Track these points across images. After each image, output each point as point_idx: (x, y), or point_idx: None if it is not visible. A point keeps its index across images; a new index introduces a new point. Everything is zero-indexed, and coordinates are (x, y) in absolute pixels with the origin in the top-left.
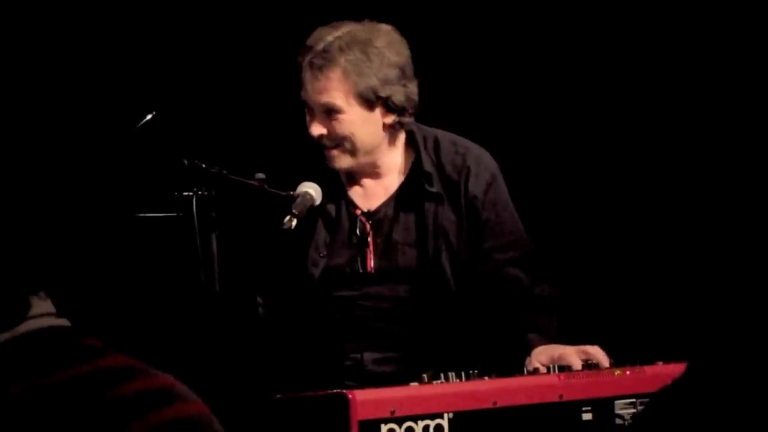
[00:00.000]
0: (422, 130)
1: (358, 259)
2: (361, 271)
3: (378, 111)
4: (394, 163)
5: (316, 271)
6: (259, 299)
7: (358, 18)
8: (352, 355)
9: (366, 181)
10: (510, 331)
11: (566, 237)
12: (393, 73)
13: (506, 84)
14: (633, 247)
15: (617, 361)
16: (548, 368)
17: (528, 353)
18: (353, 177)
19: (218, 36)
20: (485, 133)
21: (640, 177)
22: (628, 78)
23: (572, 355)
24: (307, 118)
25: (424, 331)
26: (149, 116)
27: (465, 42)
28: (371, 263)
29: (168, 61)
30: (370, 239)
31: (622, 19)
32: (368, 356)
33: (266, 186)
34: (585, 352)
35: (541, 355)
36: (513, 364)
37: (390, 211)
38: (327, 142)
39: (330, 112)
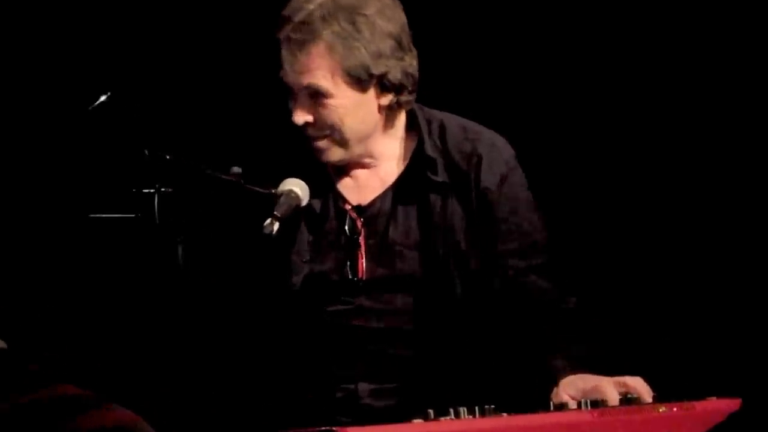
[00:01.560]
0: (426, 113)
1: (348, 264)
2: (350, 278)
3: (372, 91)
4: (391, 149)
5: (298, 279)
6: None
7: None
8: (344, 386)
9: (358, 171)
10: (532, 355)
11: (596, 246)
12: (387, 44)
13: (513, 67)
14: (679, 259)
15: (661, 396)
16: (579, 403)
17: (554, 383)
18: (343, 167)
19: (185, 6)
20: (491, 118)
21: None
22: (629, 78)
23: (608, 387)
24: (290, 103)
25: (428, 354)
26: (103, 97)
27: (468, 10)
28: (363, 269)
29: (126, 34)
30: (361, 240)
31: (625, 17)
32: (363, 387)
33: (243, 182)
34: (623, 384)
35: (571, 386)
36: (536, 397)
37: (386, 206)
38: (313, 132)
39: (315, 96)
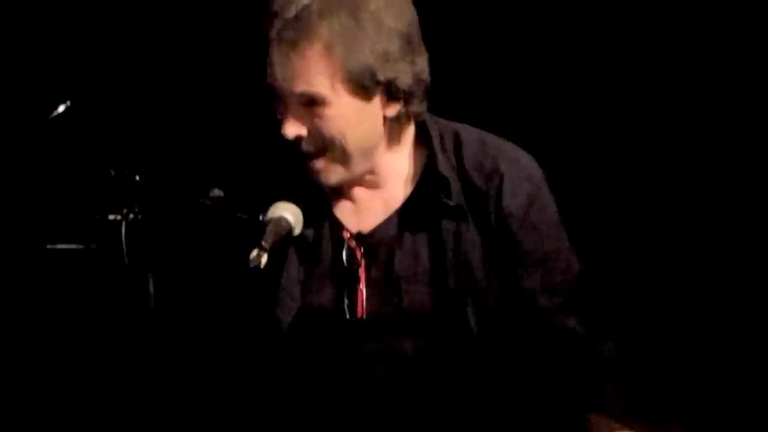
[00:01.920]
0: (438, 124)
1: (345, 300)
2: (348, 316)
3: (377, 100)
4: (398, 167)
5: (286, 318)
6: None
7: None
8: None
9: (358, 193)
10: (561, 405)
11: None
12: (395, 44)
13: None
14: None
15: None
16: None
17: None
18: (340, 188)
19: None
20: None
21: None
22: (629, 79)
23: None
24: (279, 112)
25: (440, 407)
26: (62, 107)
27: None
28: (363, 306)
29: (90, 37)
30: (362, 272)
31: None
32: None
33: (225, 207)
34: None
35: None
36: None
37: (391, 233)
38: (307, 147)
39: (310, 105)
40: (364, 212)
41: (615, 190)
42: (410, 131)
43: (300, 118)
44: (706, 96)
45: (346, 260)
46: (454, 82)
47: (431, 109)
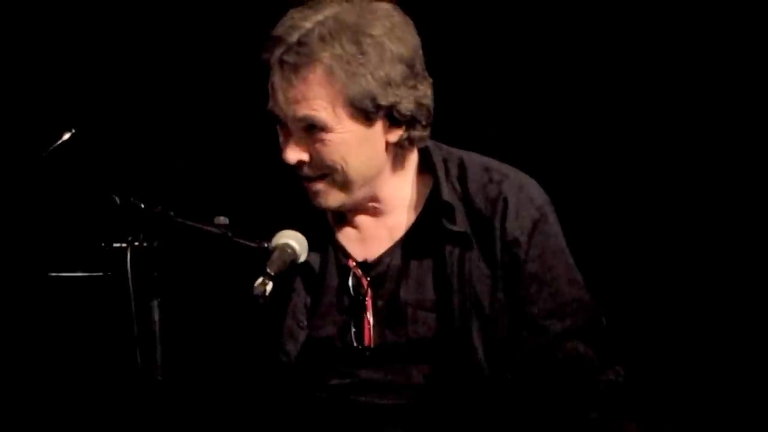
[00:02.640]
0: (442, 151)
1: (352, 329)
2: (355, 344)
3: (378, 125)
4: (401, 194)
5: (294, 348)
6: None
7: None
8: None
9: (362, 220)
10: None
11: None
12: (397, 70)
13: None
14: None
15: None
16: None
17: None
18: (344, 215)
19: (165, 31)
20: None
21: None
22: (628, 80)
23: None
24: (280, 138)
25: (446, 426)
26: (67, 135)
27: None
28: (370, 335)
29: (93, 64)
30: (368, 300)
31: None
32: None
33: (230, 234)
34: None
35: None
36: None
37: (396, 261)
38: (309, 172)
39: (311, 130)
40: (369, 240)
41: (625, 211)
42: (414, 158)
43: (301, 143)
44: (706, 107)
45: (353, 289)
46: (457, 107)
47: (435, 136)
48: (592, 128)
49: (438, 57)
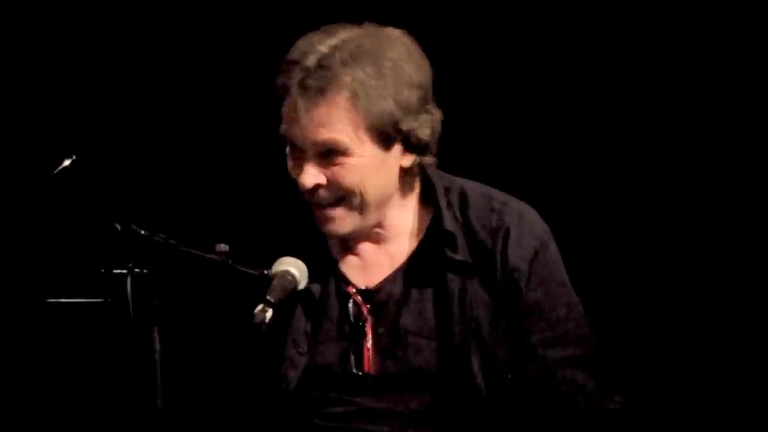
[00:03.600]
0: (443, 179)
1: (352, 357)
2: (355, 372)
3: (396, 149)
4: (404, 222)
5: (294, 375)
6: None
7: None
8: None
9: (364, 248)
10: None
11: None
12: (414, 95)
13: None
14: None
15: None
16: None
17: None
18: (346, 242)
19: (161, 52)
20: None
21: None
22: (628, 81)
23: None
24: (290, 163)
25: None
26: (68, 161)
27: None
28: (370, 362)
29: (94, 89)
30: (368, 328)
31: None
32: None
33: (230, 262)
34: None
35: None
36: None
37: (397, 289)
38: (325, 196)
39: (329, 154)
40: (370, 267)
41: (624, 219)
42: (417, 186)
43: (318, 167)
44: (703, 110)
45: (353, 316)
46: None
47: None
48: (586, 140)
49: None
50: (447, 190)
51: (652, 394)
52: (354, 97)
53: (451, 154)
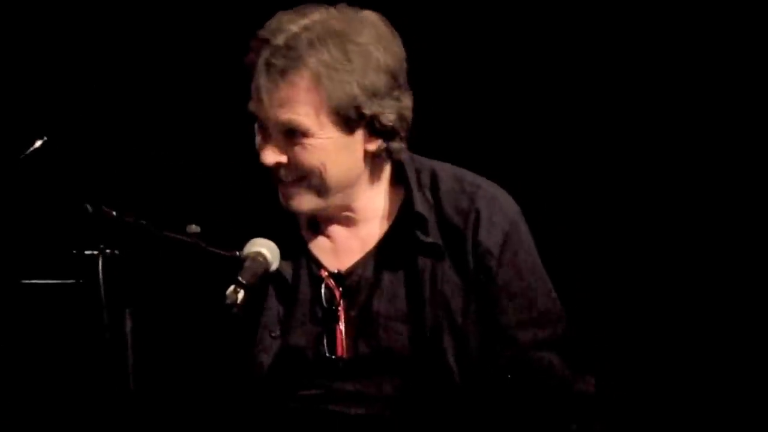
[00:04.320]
0: (415, 162)
1: (325, 340)
2: (328, 355)
3: (359, 134)
4: (374, 205)
5: (267, 359)
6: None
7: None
8: None
9: (335, 231)
10: None
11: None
12: (382, 80)
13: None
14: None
15: None
16: None
17: None
18: (317, 225)
19: (132, 36)
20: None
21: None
22: (629, 81)
23: None
24: (258, 139)
25: None
26: (39, 143)
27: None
28: (343, 346)
29: (63, 69)
30: (340, 311)
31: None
32: None
33: (202, 243)
34: None
35: None
36: None
37: (369, 272)
38: (285, 174)
39: (292, 134)
40: (342, 251)
41: (613, 216)
42: (387, 169)
43: (280, 146)
44: (698, 110)
45: (325, 299)
46: (435, 118)
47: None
48: (580, 136)
49: (418, 68)
50: (418, 173)
51: (645, 388)
52: (317, 79)
53: (443, 145)
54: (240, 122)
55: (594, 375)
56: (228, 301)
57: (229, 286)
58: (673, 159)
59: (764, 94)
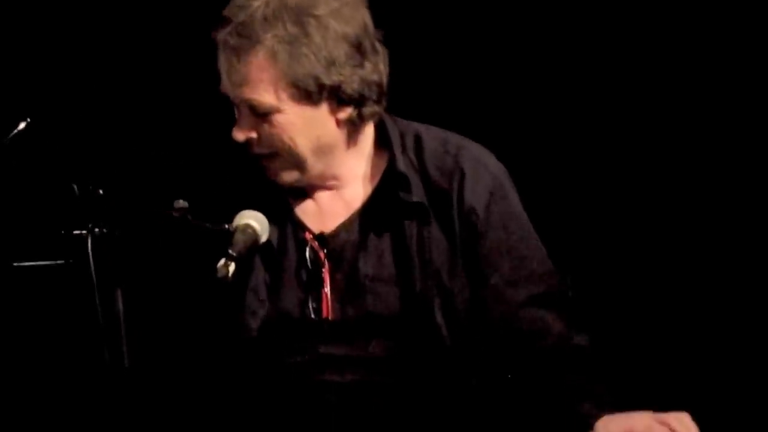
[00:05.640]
0: (399, 124)
1: (310, 303)
2: (314, 318)
3: (325, 105)
4: (358, 169)
5: (254, 323)
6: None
7: None
8: None
9: (320, 194)
10: (546, 403)
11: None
12: (341, 49)
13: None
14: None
15: None
16: None
17: (589, 429)
18: (302, 189)
19: (117, 17)
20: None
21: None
22: (628, 79)
23: (654, 425)
24: (236, 115)
25: (413, 413)
26: (23, 124)
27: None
28: (329, 308)
29: (47, 48)
30: (325, 273)
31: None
32: None
33: (190, 218)
34: (666, 423)
35: (612, 426)
36: None
37: (354, 235)
38: (259, 150)
39: (258, 112)
40: (326, 214)
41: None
42: (370, 132)
43: (249, 123)
44: (696, 108)
45: (310, 262)
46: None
47: (407, 113)
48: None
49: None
50: (402, 135)
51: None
52: (272, 56)
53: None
54: (222, 97)
55: (588, 332)
56: (219, 275)
57: (219, 260)
58: (666, 150)
59: (764, 94)
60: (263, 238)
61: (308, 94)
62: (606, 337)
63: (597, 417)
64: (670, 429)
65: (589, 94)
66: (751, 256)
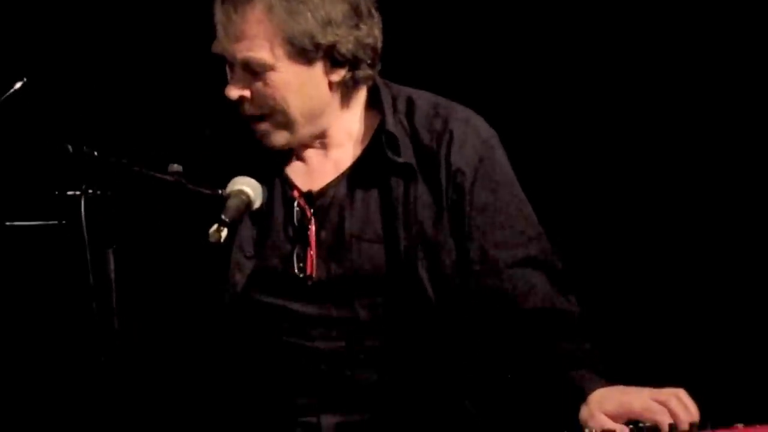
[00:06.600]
0: (391, 88)
1: (295, 259)
2: (298, 274)
3: (319, 65)
4: (348, 130)
5: (240, 278)
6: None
7: None
8: (305, 419)
9: (309, 154)
10: (536, 368)
11: (594, 249)
12: (338, 10)
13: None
14: (680, 261)
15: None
16: (637, 427)
17: (582, 400)
18: (291, 149)
19: None
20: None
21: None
22: (628, 77)
23: (652, 404)
24: (228, 75)
25: (400, 377)
26: (18, 84)
27: None
28: (313, 265)
29: (44, 14)
30: (311, 231)
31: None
32: (328, 421)
33: (184, 182)
34: (663, 402)
35: (607, 402)
36: (557, 422)
37: (341, 193)
38: (251, 110)
39: (253, 69)
40: (315, 173)
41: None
42: (361, 96)
43: (244, 81)
44: (695, 108)
45: (297, 220)
46: (414, 49)
47: (406, 79)
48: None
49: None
50: (394, 99)
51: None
52: (269, 11)
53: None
54: (214, 61)
55: (576, 294)
56: (211, 240)
57: (212, 224)
58: (666, 149)
59: (764, 94)
60: (256, 204)
61: (303, 52)
62: (603, 334)
63: (590, 387)
64: (668, 408)
65: (587, 91)
66: (747, 249)
